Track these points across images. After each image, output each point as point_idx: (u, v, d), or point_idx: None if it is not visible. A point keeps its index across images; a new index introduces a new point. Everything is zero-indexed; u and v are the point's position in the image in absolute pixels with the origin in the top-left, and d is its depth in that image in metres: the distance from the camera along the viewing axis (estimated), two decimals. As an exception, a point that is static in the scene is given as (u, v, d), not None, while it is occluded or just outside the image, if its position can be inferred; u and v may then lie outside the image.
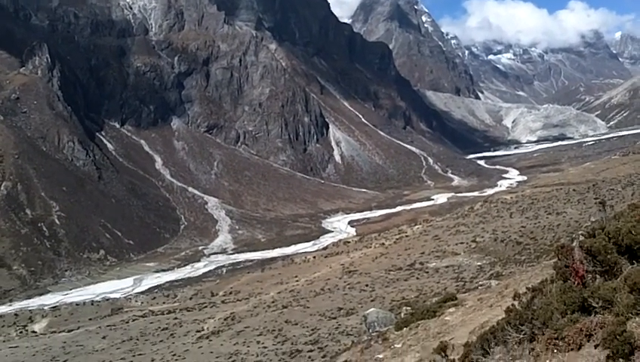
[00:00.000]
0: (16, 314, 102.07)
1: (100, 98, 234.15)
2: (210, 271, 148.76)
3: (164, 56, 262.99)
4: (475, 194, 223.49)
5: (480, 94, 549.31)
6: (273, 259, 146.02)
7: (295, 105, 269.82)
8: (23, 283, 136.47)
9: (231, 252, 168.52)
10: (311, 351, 51.18)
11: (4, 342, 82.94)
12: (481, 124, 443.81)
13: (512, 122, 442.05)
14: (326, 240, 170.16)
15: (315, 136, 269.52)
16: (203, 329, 70.06)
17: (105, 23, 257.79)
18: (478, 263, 74.64)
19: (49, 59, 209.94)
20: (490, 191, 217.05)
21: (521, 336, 11.18)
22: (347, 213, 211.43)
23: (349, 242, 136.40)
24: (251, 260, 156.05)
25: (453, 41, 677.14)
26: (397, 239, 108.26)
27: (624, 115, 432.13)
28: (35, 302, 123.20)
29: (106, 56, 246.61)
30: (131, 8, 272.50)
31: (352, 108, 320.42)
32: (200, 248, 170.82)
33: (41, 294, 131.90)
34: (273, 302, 78.01)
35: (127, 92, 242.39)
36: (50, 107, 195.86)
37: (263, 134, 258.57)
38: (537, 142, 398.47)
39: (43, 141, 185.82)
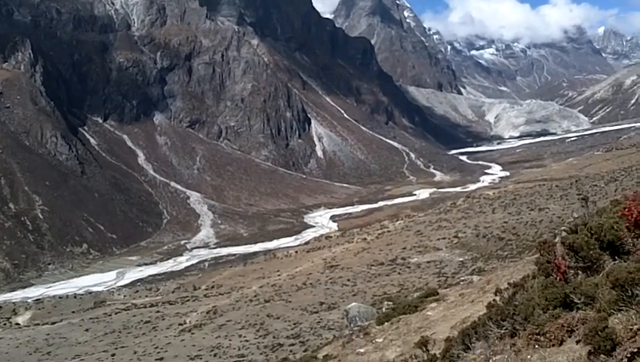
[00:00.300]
0: (0, 307, 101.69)
1: (82, 93, 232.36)
2: (192, 265, 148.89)
3: (147, 51, 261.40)
4: (458, 189, 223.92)
5: (462, 90, 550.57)
6: (255, 254, 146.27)
7: (277, 100, 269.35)
8: (6, 276, 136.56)
9: (213, 246, 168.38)
10: (292, 344, 51.43)
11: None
12: (463, 120, 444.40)
13: (495, 118, 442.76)
14: (308, 235, 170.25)
15: (297, 132, 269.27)
16: (185, 323, 70.08)
17: (87, 19, 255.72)
18: (460, 259, 75.15)
19: (32, 55, 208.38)
20: (472, 187, 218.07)
21: (503, 332, 11.25)
22: (329, 208, 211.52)
23: (330, 237, 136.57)
24: (233, 254, 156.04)
25: (435, 37, 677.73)
26: (379, 234, 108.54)
27: (607, 110, 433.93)
28: (18, 295, 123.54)
29: (88, 52, 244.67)
30: (113, 4, 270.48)
31: (334, 104, 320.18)
32: (182, 242, 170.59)
33: (24, 287, 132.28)
34: (255, 296, 78.10)
35: (110, 87, 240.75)
36: (33, 102, 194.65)
37: (245, 129, 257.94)
38: (520, 137, 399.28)
39: (26, 136, 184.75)
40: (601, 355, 7.56)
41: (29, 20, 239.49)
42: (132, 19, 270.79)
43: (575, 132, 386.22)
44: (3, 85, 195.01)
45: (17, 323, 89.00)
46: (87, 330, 74.10)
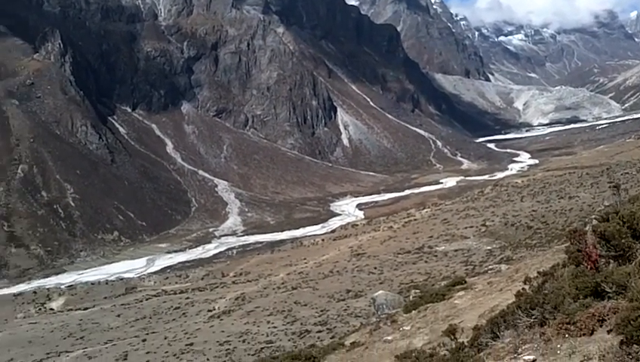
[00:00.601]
0: (34, 292, 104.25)
1: (111, 83, 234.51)
2: (220, 252, 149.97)
3: (174, 41, 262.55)
4: (485, 177, 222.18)
5: (490, 76, 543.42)
6: (282, 242, 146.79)
7: (303, 88, 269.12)
8: (40, 263, 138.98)
9: (241, 234, 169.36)
10: (320, 331, 51.76)
11: (24, 318, 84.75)
12: (491, 107, 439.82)
13: (524, 105, 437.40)
14: (334, 223, 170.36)
15: (322, 120, 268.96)
16: (214, 309, 70.91)
17: (115, 9, 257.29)
18: (488, 247, 74.79)
19: (61, 45, 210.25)
20: (500, 175, 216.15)
21: (532, 320, 11.29)
22: (355, 197, 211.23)
23: (357, 225, 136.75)
24: (261, 242, 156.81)
25: (462, 23, 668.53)
26: (405, 222, 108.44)
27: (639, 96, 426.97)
28: (52, 281, 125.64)
29: (116, 42, 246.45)
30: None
31: (359, 92, 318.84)
32: (210, 230, 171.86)
33: (57, 273, 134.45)
34: (283, 284, 78.68)
35: (138, 77, 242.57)
36: (63, 92, 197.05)
37: (271, 118, 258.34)
38: (549, 124, 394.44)
39: (57, 125, 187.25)
40: (634, 345, 7.52)
41: (58, 11, 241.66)
42: (159, 9, 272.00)
43: (606, 119, 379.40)
44: (34, 75, 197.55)
45: (51, 309, 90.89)
46: (118, 316, 75.36)
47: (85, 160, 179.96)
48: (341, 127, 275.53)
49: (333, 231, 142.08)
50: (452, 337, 15.21)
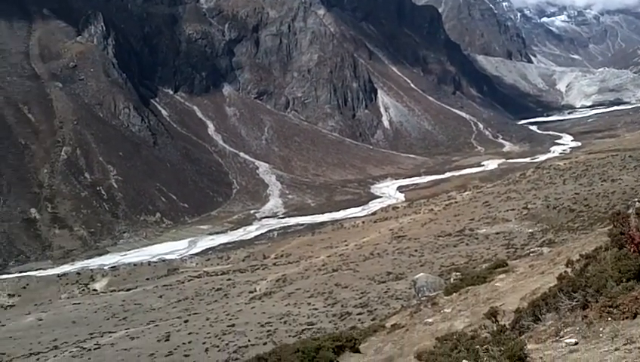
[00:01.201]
0: (78, 273, 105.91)
1: (153, 65, 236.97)
2: (261, 234, 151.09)
3: (215, 23, 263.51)
4: (527, 160, 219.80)
5: (532, 58, 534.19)
6: (323, 224, 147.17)
7: (343, 70, 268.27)
8: (83, 244, 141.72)
9: (281, 216, 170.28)
10: (360, 313, 51.89)
11: (68, 298, 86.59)
12: (533, 89, 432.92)
13: (566, 86, 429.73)
14: (375, 205, 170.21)
15: (363, 102, 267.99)
16: (255, 291, 71.59)
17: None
18: (530, 230, 74.06)
19: (104, 28, 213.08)
20: (542, 158, 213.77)
21: (574, 303, 11.27)
22: (396, 179, 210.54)
23: (397, 207, 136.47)
24: (301, 224, 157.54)
25: (504, 4, 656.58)
26: (446, 205, 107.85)
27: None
28: (95, 262, 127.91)
29: (158, 24, 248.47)
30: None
31: (400, 74, 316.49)
32: (252, 212, 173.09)
33: (100, 254, 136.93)
34: (323, 266, 79.01)
35: (180, 59, 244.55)
36: (105, 74, 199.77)
37: (312, 100, 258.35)
38: (592, 107, 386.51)
39: (100, 107, 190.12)
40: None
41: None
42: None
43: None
44: (77, 58, 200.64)
45: (95, 290, 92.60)
46: (160, 297, 76.53)
47: (128, 142, 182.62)
48: (382, 109, 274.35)
49: (373, 214, 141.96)
50: (493, 320, 15.21)
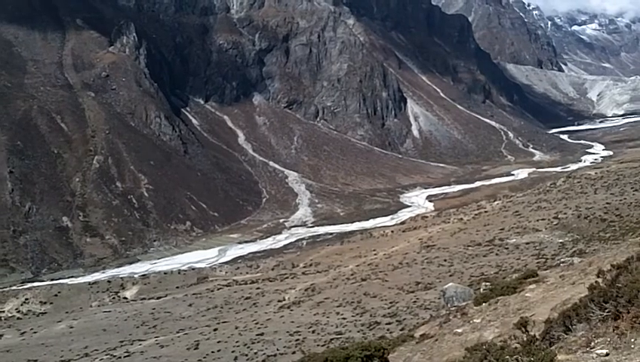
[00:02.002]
0: (109, 281, 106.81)
1: (184, 75, 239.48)
2: (290, 243, 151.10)
3: (245, 33, 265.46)
4: (558, 169, 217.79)
5: (563, 66, 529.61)
6: (352, 233, 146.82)
7: (373, 80, 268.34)
8: (114, 252, 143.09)
9: (311, 225, 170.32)
10: (389, 323, 51.72)
11: (98, 306, 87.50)
12: (564, 98, 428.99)
13: (598, 95, 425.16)
14: (404, 214, 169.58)
15: (392, 111, 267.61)
16: (284, 299, 71.71)
17: (188, 2, 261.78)
18: (560, 240, 73.19)
19: (136, 38, 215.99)
20: (573, 167, 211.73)
21: (605, 314, 11.17)
22: (425, 188, 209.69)
23: (427, 217, 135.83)
24: (330, 233, 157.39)
25: (535, 12, 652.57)
26: (476, 214, 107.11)
27: None
28: (125, 270, 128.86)
29: (189, 34, 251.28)
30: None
31: (430, 83, 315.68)
32: (281, 221, 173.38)
33: (131, 263, 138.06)
34: (352, 275, 78.87)
35: (211, 69, 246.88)
36: (137, 84, 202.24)
37: (342, 109, 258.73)
38: (624, 115, 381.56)
39: (131, 117, 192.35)
40: None
41: (133, 4, 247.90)
42: (231, 2, 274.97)
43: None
44: (109, 68, 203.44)
45: (125, 298, 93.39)
46: (190, 305, 76.99)
47: (159, 151, 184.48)
48: (411, 118, 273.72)
49: (402, 223, 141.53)
50: (523, 330, 15.07)
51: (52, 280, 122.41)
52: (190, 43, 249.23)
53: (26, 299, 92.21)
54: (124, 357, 53.98)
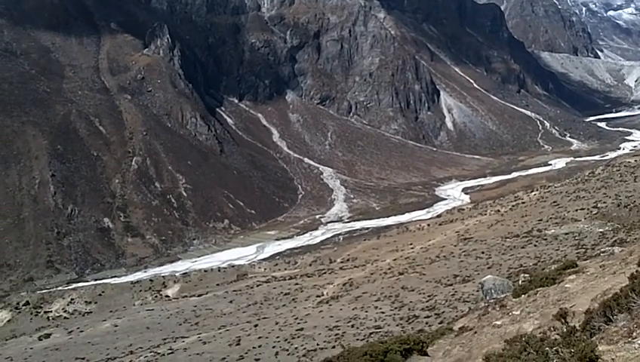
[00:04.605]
0: (151, 280, 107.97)
1: (218, 75, 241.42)
2: (327, 238, 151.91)
3: (277, 31, 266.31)
4: (596, 158, 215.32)
5: (599, 53, 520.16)
6: (388, 227, 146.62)
7: (405, 73, 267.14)
8: (155, 251, 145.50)
9: (347, 220, 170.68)
10: (428, 316, 51.55)
11: (141, 305, 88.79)
12: (601, 85, 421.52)
13: (635, 81, 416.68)
14: (440, 207, 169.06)
15: (426, 104, 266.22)
16: (323, 295, 71.91)
17: (219, 2, 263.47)
18: (600, 230, 72.17)
19: (169, 40, 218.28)
20: (612, 155, 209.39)
21: (646, 303, 11.23)
22: (461, 181, 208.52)
23: (463, 209, 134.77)
24: (367, 228, 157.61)
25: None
26: (513, 206, 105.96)
27: None
28: (166, 269, 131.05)
29: (222, 34, 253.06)
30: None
31: (463, 74, 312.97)
32: (317, 216, 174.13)
33: (172, 261, 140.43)
34: (389, 269, 78.70)
35: (244, 68, 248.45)
36: (172, 85, 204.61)
37: (374, 104, 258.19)
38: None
39: (168, 118, 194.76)
40: None
41: (166, 7, 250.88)
42: (262, 0, 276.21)
43: None
44: (145, 70, 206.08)
45: (167, 296, 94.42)
46: (231, 302, 77.59)
47: (195, 151, 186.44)
48: (445, 111, 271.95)
49: (439, 216, 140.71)
50: (563, 321, 15.12)
51: (96, 280, 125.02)
52: (223, 43, 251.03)
53: (72, 299, 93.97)
54: (168, 354, 54.75)
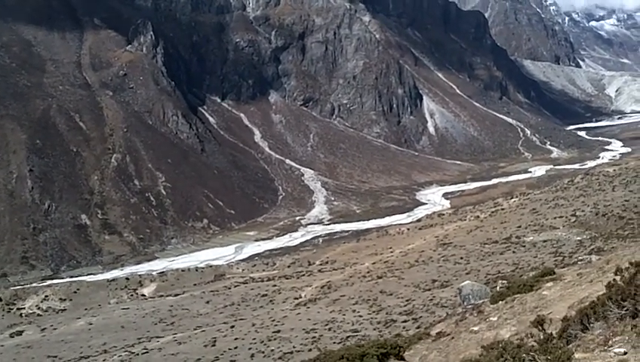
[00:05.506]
0: (127, 278, 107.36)
1: (201, 73, 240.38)
2: (307, 240, 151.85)
3: (262, 31, 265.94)
4: (576, 166, 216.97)
5: (581, 62, 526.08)
6: (368, 230, 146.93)
7: (389, 77, 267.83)
8: (132, 250, 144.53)
9: (327, 222, 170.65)
10: (405, 321, 51.50)
11: (117, 303, 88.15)
12: (582, 94, 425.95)
13: (616, 91, 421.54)
14: (420, 212, 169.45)
15: (408, 108, 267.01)
16: (300, 297, 71.78)
17: (205, 1, 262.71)
18: (578, 238, 72.64)
19: (153, 37, 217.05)
20: (591, 164, 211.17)
21: (623, 312, 11.16)
22: (441, 186, 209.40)
23: (443, 214, 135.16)
24: (346, 231, 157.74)
25: (552, 8, 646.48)
26: (492, 212, 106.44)
27: None
28: (143, 268, 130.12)
29: (206, 33, 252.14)
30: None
31: (446, 80, 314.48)
32: (297, 218, 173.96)
33: (149, 260, 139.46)
34: (368, 272, 78.73)
35: (227, 67, 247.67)
36: (155, 83, 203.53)
37: (357, 107, 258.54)
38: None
39: (149, 115, 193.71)
40: None
41: (150, 4, 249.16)
42: (247, 0, 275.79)
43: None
44: (127, 67, 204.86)
45: (143, 295, 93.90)
46: (207, 302, 77.23)
47: (176, 149, 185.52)
48: (427, 116, 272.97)
49: (419, 220, 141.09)
50: (540, 328, 15.07)
51: (71, 277, 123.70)
52: (207, 41, 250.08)
53: (46, 296, 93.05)
54: (142, 353, 54.27)
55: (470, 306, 25.69)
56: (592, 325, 12.19)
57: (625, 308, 11.10)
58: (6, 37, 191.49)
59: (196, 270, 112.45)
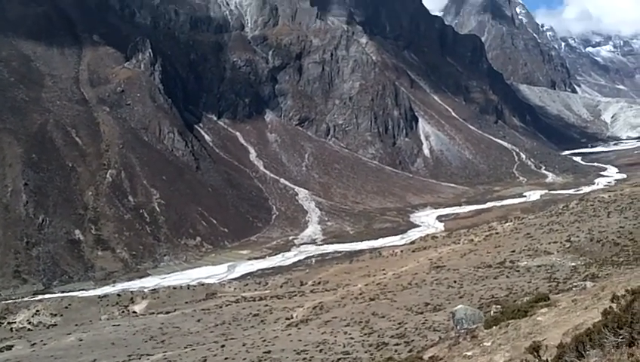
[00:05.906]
0: (118, 295, 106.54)
1: (198, 91, 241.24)
2: (300, 260, 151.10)
3: (259, 51, 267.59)
4: (571, 191, 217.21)
5: (577, 88, 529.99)
6: (361, 252, 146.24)
7: (385, 98, 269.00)
8: (125, 266, 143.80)
9: (320, 243, 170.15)
10: (397, 344, 51.09)
11: (107, 319, 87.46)
12: (577, 119, 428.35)
13: (612, 117, 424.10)
14: (414, 234, 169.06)
15: (404, 130, 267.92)
16: (292, 317, 71.27)
17: (203, 20, 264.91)
18: (573, 263, 72.52)
19: (151, 54, 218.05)
20: (586, 189, 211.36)
21: (620, 340, 11.06)
22: (436, 208, 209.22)
23: (437, 237, 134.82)
24: (340, 251, 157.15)
25: (548, 33, 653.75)
26: (487, 236, 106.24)
27: None
28: (135, 284, 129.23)
29: (204, 52, 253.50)
30: (228, 5, 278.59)
31: (442, 102, 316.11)
32: (290, 238, 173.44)
33: (141, 277, 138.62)
34: (360, 294, 78.30)
35: (224, 86, 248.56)
36: (152, 100, 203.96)
37: (353, 127, 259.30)
38: (638, 138, 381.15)
39: (145, 132, 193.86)
40: None
41: (149, 21, 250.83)
42: (246, 20, 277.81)
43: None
44: (125, 83, 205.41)
45: (134, 312, 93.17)
46: (198, 321, 76.67)
47: (171, 166, 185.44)
48: (422, 138, 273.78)
49: (412, 243, 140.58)
50: (535, 354, 14.97)
51: (63, 292, 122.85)
52: (204, 60, 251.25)
53: (37, 311, 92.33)
54: (132, 371, 53.90)
55: (463, 331, 25.53)
56: (587, 352, 12.08)
57: (621, 336, 11.00)
58: (5, 51, 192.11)
59: (188, 288, 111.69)
